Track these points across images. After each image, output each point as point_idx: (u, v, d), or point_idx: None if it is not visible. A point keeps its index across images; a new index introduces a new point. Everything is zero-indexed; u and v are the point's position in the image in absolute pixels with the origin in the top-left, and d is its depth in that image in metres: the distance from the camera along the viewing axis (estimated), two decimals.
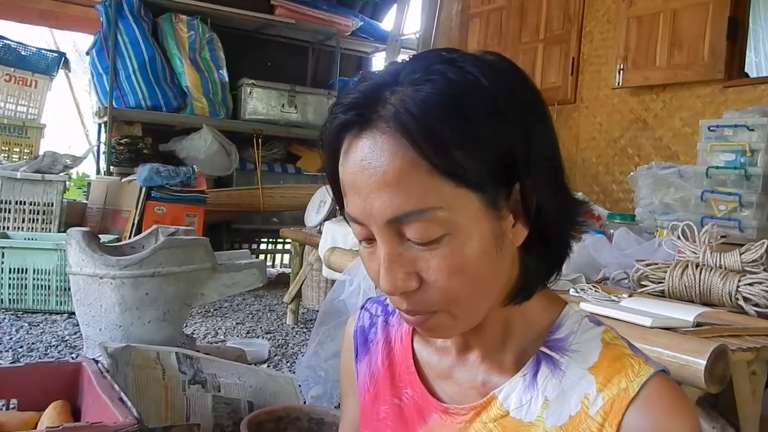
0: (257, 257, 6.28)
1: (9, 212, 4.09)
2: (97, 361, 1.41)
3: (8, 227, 4.08)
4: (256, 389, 1.72)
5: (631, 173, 3.17)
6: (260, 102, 5.53)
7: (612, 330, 0.70)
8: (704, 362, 1.17)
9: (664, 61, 3.61)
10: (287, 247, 5.94)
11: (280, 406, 1.65)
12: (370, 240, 0.64)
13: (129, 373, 1.52)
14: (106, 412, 1.15)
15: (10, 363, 2.72)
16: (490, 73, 0.61)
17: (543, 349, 0.69)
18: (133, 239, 2.08)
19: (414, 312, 0.64)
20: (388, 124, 0.58)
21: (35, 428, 1.29)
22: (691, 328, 1.37)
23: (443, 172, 0.58)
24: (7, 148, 4.98)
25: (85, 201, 5.03)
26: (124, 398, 1.18)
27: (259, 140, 5.45)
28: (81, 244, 1.75)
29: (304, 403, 1.90)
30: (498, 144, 0.60)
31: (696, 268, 1.84)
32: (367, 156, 0.59)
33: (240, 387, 1.69)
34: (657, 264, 1.97)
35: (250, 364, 2.95)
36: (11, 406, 1.38)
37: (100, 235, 3.99)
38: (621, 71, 3.86)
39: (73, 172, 6.37)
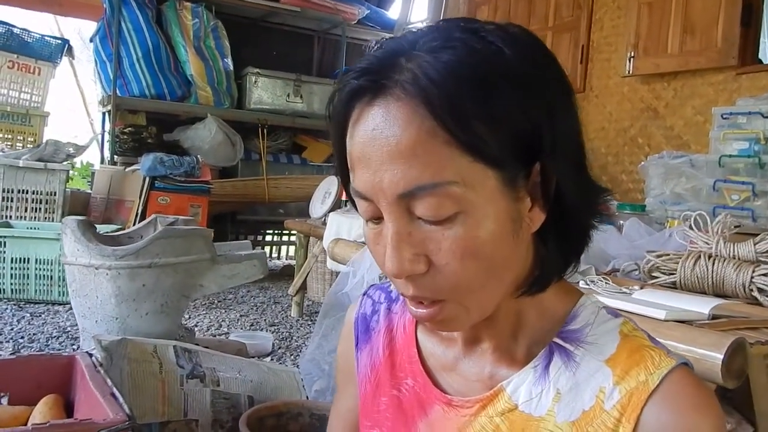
0: (263, 249, 6.27)
1: (11, 201, 4.06)
2: (91, 355, 1.37)
3: (11, 216, 4.05)
4: (257, 384, 1.68)
5: (642, 163, 3.11)
6: (265, 91, 5.48)
7: (631, 321, 0.65)
8: (721, 356, 1.12)
9: (675, 48, 3.54)
10: (293, 238, 5.91)
11: (280, 401, 1.61)
12: (377, 219, 0.59)
13: (125, 367, 1.48)
14: (97, 407, 1.11)
15: (10, 354, 2.69)
16: (514, 45, 0.57)
17: (556, 340, 0.64)
18: (131, 229, 2.04)
19: (420, 298, 0.59)
20: (405, 91, 0.54)
21: (26, 423, 1.25)
22: (707, 321, 1.32)
23: (462, 144, 0.54)
24: (11, 136, 4.95)
25: (89, 191, 5.00)
26: (116, 393, 1.13)
27: (265, 130, 5.39)
28: (76, 233, 1.71)
29: (307, 398, 1.85)
30: (520, 118, 0.55)
31: (709, 259, 1.78)
32: (380, 125, 0.55)
33: (240, 381, 1.65)
34: (668, 255, 1.91)
35: (253, 357, 2.91)
36: (2, 400, 1.34)
37: (103, 225, 3.99)
38: (631, 59, 3.79)
39: (78, 161, 6.35)
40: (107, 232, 2.14)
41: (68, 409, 1.35)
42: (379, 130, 0.55)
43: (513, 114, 0.55)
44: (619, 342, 0.62)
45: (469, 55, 0.54)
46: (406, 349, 0.75)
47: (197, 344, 1.78)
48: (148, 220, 2.04)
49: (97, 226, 3.88)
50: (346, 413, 0.84)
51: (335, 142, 0.62)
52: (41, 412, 1.27)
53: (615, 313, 0.66)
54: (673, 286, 1.84)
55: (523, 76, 0.56)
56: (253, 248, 6.07)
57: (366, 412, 0.77)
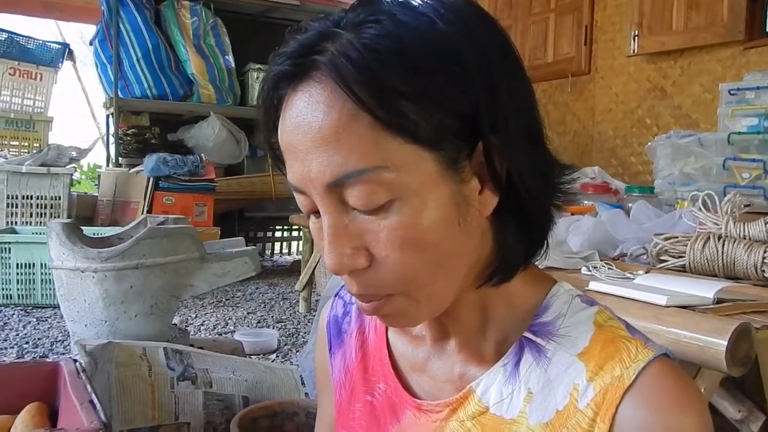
0: (272, 245, 6.29)
1: (16, 207, 4.06)
2: (75, 361, 1.34)
3: (16, 222, 4.05)
4: (252, 383, 1.64)
5: (649, 144, 3.03)
6: None
7: (607, 310, 0.60)
8: (725, 343, 1.05)
9: (680, 24, 3.45)
10: (302, 233, 5.89)
11: (275, 401, 1.57)
12: (317, 213, 0.55)
13: (112, 371, 1.44)
14: (75, 415, 1.07)
15: (15, 359, 2.68)
16: (448, 15, 0.52)
17: (527, 334, 0.59)
18: (121, 230, 2.01)
19: (367, 296, 0.55)
20: (323, 73, 0.50)
21: None
22: (711, 306, 1.26)
23: (387, 125, 0.49)
24: (16, 143, 4.96)
25: (96, 193, 5.00)
26: (95, 401, 1.09)
27: None
28: (61, 236, 1.67)
29: (306, 395, 1.81)
30: (455, 95, 0.50)
31: (718, 240, 1.71)
32: (303, 111, 0.51)
33: (234, 382, 1.61)
34: (677, 237, 1.85)
35: (258, 354, 2.88)
36: None
37: (109, 228, 3.97)
38: (636, 38, 3.70)
39: (84, 163, 6.36)
40: (102, 235, 2.11)
41: (54, 417, 1.32)
42: (302, 117, 0.51)
43: (446, 91, 0.50)
44: (592, 333, 0.57)
45: (394, 28, 0.50)
46: (377, 351, 0.70)
47: (191, 345, 1.74)
48: (138, 220, 2.00)
49: (104, 228, 3.90)
50: (330, 423, 0.79)
51: (266, 135, 0.58)
52: (23, 421, 1.23)
53: (591, 301, 0.61)
54: (682, 270, 1.77)
55: (456, 49, 0.51)
56: (263, 245, 6.05)
57: (341, 420, 0.73)
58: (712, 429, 0.54)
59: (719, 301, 1.28)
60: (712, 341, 1.06)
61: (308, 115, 0.50)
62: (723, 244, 1.70)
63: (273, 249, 6.32)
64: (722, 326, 1.07)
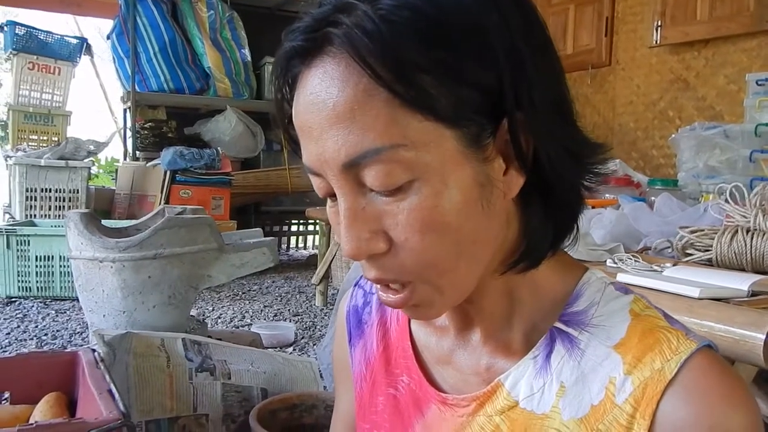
0: (288, 239, 6.29)
1: (35, 200, 4.09)
2: (94, 351, 1.33)
3: (35, 215, 4.08)
4: (271, 375, 1.62)
5: (672, 136, 2.97)
6: None
7: (643, 299, 0.56)
8: (763, 336, 1.02)
9: (705, 14, 3.38)
10: (318, 228, 5.88)
11: (294, 393, 1.55)
12: (334, 196, 0.52)
13: (130, 361, 1.43)
14: (94, 405, 1.06)
15: (33, 350, 2.69)
16: None
17: (558, 324, 0.56)
18: (139, 221, 2.00)
19: (385, 281, 0.52)
20: (337, 47, 0.47)
21: (27, 422, 1.21)
22: (746, 298, 1.22)
23: (405, 101, 0.46)
24: (35, 137, 4.98)
25: (114, 187, 5.02)
26: (113, 390, 1.08)
27: None
28: (79, 226, 1.66)
29: (325, 388, 1.79)
30: (477, 68, 0.47)
31: (747, 233, 1.67)
32: (317, 88, 0.48)
33: (252, 373, 1.59)
34: (703, 230, 1.80)
35: (275, 347, 2.87)
36: (4, 399, 1.30)
37: (126, 221, 3.99)
38: (659, 28, 3.63)
39: (102, 157, 6.39)
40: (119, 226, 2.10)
41: (72, 407, 1.31)
42: (316, 94, 0.48)
43: (467, 64, 0.47)
44: (629, 323, 0.54)
45: None
46: (400, 343, 0.67)
47: (209, 336, 1.73)
48: (155, 210, 1.99)
49: (118, 221, 3.91)
50: (347, 416, 0.77)
51: (281, 117, 0.54)
52: (42, 411, 1.22)
53: (625, 289, 0.57)
54: (708, 264, 1.73)
55: (479, 20, 0.48)
56: (279, 239, 6.05)
57: (363, 413, 0.70)
58: (762, 427, 0.51)
59: (754, 293, 1.24)
60: (749, 334, 1.02)
61: (322, 92, 0.48)
62: (752, 238, 1.65)
63: (289, 243, 6.32)
64: (760, 319, 1.03)
